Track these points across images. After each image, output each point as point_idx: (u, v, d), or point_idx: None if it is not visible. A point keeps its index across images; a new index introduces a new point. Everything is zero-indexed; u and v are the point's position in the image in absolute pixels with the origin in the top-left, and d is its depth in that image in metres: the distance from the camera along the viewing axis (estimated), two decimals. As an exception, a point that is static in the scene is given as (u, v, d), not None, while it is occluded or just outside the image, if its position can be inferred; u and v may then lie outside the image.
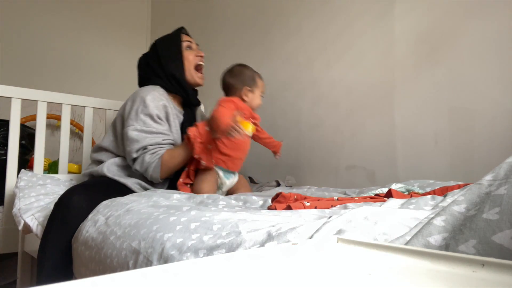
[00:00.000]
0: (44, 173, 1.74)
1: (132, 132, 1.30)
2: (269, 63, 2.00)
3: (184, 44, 1.48)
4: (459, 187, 0.96)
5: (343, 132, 1.65)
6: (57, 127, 2.52)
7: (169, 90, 1.44)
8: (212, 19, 2.43)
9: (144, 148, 1.29)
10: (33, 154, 1.77)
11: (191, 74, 1.47)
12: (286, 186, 1.66)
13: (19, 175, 1.50)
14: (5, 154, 1.63)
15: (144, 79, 1.49)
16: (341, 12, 1.68)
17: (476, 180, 0.43)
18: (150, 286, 0.27)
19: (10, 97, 1.62)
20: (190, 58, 1.47)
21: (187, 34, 1.54)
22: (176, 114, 1.44)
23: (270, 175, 1.88)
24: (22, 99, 1.64)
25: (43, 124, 1.71)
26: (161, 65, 1.44)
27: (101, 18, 2.82)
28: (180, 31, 1.52)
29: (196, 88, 1.56)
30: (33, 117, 1.99)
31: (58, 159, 1.82)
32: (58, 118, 2.29)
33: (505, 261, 0.28)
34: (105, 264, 0.80)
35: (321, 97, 1.74)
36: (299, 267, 0.33)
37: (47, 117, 1.83)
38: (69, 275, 1.03)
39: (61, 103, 1.78)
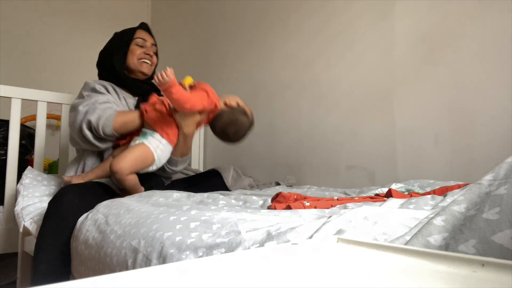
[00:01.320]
0: (44, 173, 1.74)
1: (76, 101, 1.33)
2: (269, 63, 2.00)
3: (136, 40, 1.48)
4: (459, 187, 0.96)
5: (343, 132, 1.65)
6: (57, 127, 2.52)
7: (113, 82, 1.46)
8: (212, 19, 2.43)
9: (93, 102, 1.29)
10: (33, 154, 1.77)
11: (134, 64, 1.47)
12: (286, 186, 1.66)
13: (25, 172, 1.50)
14: (5, 154, 1.63)
15: (99, 73, 1.54)
16: (341, 12, 1.68)
17: (476, 180, 0.43)
18: (150, 286, 0.27)
19: (10, 97, 1.62)
20: (136, 52, 1.47)
21: (148, 31, 1.53)
22: (123, 97, 1.45)
23: (270, 175, 1.88)
24: (22, 99, 1.64)
25: (43, 124, 1.71)
26: (107, 57, 1.47)
27: (101, 18, 2.82)
28: (137, 28, 1.52)
29: (145, 77, 1.53)
30: (33, 117, 1.99)
31: (58, 159, 1.82)
32: (58, 118, 2.29)
33: (505, 261, 0.28)
34: (104, 263, 0.80)
35: (321, 97, 1.74)
36: (298, 267, 0.33)
37: (47, 117, 1.83)
38: (64, 272, 1.03)
39: (61, 103, 1.78)
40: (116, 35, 1.52)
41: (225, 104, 1.34)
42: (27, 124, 2.21)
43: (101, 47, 1.55)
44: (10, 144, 1.59)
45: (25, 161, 1.95)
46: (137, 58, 1.47)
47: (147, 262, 0.67)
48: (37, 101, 1.70)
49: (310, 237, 0.54)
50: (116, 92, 1.45)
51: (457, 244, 0.36)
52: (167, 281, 0.28)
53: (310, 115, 1.79)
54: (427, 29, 1.40)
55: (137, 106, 1.45)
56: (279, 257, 0.36)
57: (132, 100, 1.48)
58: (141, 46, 1.48)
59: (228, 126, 1.30)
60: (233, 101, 1.36)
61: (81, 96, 1.37)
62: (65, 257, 1.03)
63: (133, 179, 1.22)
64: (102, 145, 1.31)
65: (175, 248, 0.64)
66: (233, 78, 2.23)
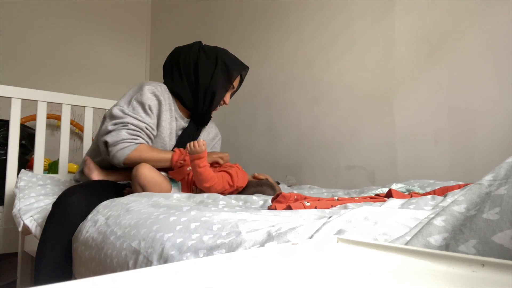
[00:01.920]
0: (44, 173, 1.74)
1: (116, 110, 1.23)
2: (269, 63, 2.00)
3: (231, 86, 1.41)
4: (459, 187, 0.96)
5: (343, 132, 1.65)
6: (57, 127, 2.52)
7: (180, 96, 1.37)
8: (212, 19, 2.43)
9: (125, 124, 1.21)
10: (33, 154, 1.77)
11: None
12: (287, 186, 1.66)
13: (19, 175, 1.50)
14: (5, 154, 1.64)
15: (169, 74, 1.41)
16: (341, 12, 1.68)
17: (476, 180, 0.43)
18: (150, 286, 0.27)
19: (10, 97, 1.62)
20: (222, 96, 1.40)
21: (242, 78, 1.46)
22: (175, 117, 1.37)
23: (270, 175, 1.88)
24: (22, 99, 1.64)
25: (43, 124, 1.71)
26: (202, 71, 1.35)
27: (101, 18, 2.82)
28: (240, 72, 1.42)
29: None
30: (33, 117, 1.99)
31: (58, 159, 1.82)
32: (58, 118, 2.29)
33: (505, 261, 0.28)
34: (105, 264, 0.80)
35: (321, 97, 1.74)
36: (299, 267, 0.33)
37: (47, 117, 1.83)
38: (67, 275, 1.03)
39: (61, 103, 1.78)
40: (225, 61, 1.37)
41: (254, 177, 1.36)
42: (27, 124, 2.21)
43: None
44: (10, 144, 1.59)
45: (25, 161, 1.95)
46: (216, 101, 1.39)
47: (147, 264, 0.67)
48: (37, 101, 1.70)
49: (311, 237, 0.54)
50: (171, 110, 1.35)
51: (457, 244, 0.36)
52: (167, 282, 0.28)
53: (310, 115, 1.79)
54: (427, 29, 1.40)
55: (185, 130, 1.40)
56: (279, 257, 0.36)
57: (183, 123, 1.40)
58: (228, 91, 1.41)
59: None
60: (262, 176, 1.37)
61: (128, 101, 1.27)
62: (68, 259, 1.03)
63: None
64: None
65: (176, 249, 0.64)
66: (233, 78, 2.23)
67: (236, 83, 1.43)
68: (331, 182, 1.67)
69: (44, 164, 1.84)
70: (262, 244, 0.56)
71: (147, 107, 1.25)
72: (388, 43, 1.51)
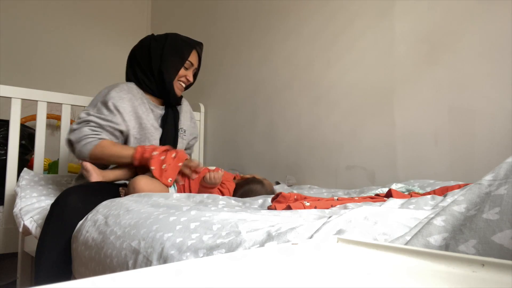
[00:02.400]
0: (44, 173, 1.74)
1: (82, 113, 1.32)
2: (269, 63, 2.00)
3: (187, 62, 1.47)
4: (459, 187, 0.96)
5: (343, 132, 1.65)
6: (57, 127, 2.52)
7: (150, 88, 1.45)
8: (212, 19, 2.43)
9: (87, 122, 1.29)
10: (33, 154, 1.77)
11: (176, 84, 1.48)
12: (287, 186, 1.66)
13: (21, 174, 1.50)
14: (5, 154, 1.63)
15: (129, 74, 1.51)
16: (341, 12, 1.68)
17: (476, 180, 0.43)
18: (150, 286, 0.27)
19: (10, 97, 1.62)
20: (181, 74, 1.47)
21: (199, 54, 1.52)
22: (151, 108, 1.44)
23: (270, 175, 1.88)
24: (22, 99, 1.64)
25: (43, 124, 1.71)
26: (157, 60, 1.44)
27: (101, 18, 2.82)
28: (193, 48, 1.49)
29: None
30: (33, 117, 1.99)
31: (58, 159, 1.82)
32: (58, 118, 2.29)
33: (505, 261, 0.28)
34: (104, 264, 0.80)
35: (321, 97, 1.74)
36: (299, 267, 0.33)
37: (47, 117, 1.83)
38: (66, 274, 1.03)
39: (61, 103, 1.78)
40: (174, 41, 1.47)
41: (241, 177, 1.40)
42: (27, 124, 2.21)
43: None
44: (10, 144, 1.59)
45: (25, 161, 1.95)
46: (177, 80, 1.47)
47: (147, 263, 0.67)
48: (37, 101, 1.70)
49: (310, 237, 0.54)
50: (144, 103, 1.43)
51: (457, 244, 0.36)
52: (167, 281, 0.28)
53: (310, 115, 1.79)
54: (427, 29, 1.40)
55: (164, 117, 1.47)
56: (279, 257, 0.36)
57: (159, 111, 1.48)
58: (187, 68, 1.48)
59: (246, 195, 1.29)
60: (248, 175, 1.43)
61: (94, 105, 1.35)
62: (67, 258, 1.03)
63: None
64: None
65: (176, 249, 0.64)
66: (233, 78, 2.23)
67: (193, 59, 1.49)
68: (331, 182, 1.67)
69: (44, 164, 1.84)
70: (262, 244, 0.56)
71: (111, 106, 1.32)
72: (388, 43, 1.51)
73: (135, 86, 1.45)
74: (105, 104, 1.33)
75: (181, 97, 1.57)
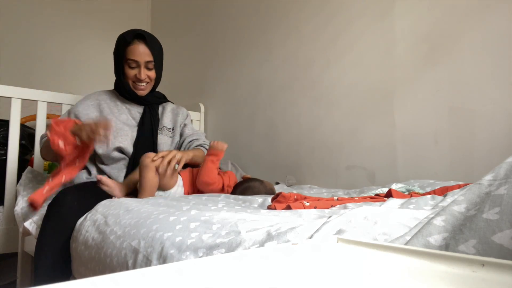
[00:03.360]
0: (44, 173, 1.74)
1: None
2: (269, 63, 2.00)
3: (128, 62, 1.38)
4: (459, 187, 0.96)
5: (343, 132, 1.65)
6: (57, 127, 2.52)
7: (120, 90, 1.48)
8: (211, 19, 2.43)
9: (48, 125, 1.39)
10: (33, 154, 1.77)
11: (129, 84, 1.43)
12: (287, 186, 1.66)
13: (25, 172, 1.51)
14: (5, 154, 1.63)
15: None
16: (341, 12, 1.68)
17: (476, 180, 0.43)
18: (150, 286, 0.27)
19: (10, 97, 1.62)
20: (129, 74, 1.41)
21: (148, 46, 1.38)
22: (127, 108, 1.47)
23: (270, 175, 1.88)
24: (22, 99, 1.64)
25: (43, 124, 1.71)
26: (114, 62, 1.46)
27: (101, 18, 2.82)
28: (129, 44, 1.37)
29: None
30: (33, 117, 1.98)
31: (58, 159, 1.81)
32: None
33: (505, 261, 0.28)
34: (104, 264, 0.80)
35: (321, 97, 1.74)
36: (298, 267, 0.33)
37: (47, 117, 1.83)
38: (65, 274, 1.03)
39: (61, 103, 1.78)
40: (117, 41, 1.44)
41: (242, 177, 1.39)
42: (27, 124, 2.21)
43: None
44: (10, 144, 1.59)
45: (25, 161, 1.95)
46: (131, 80, 1.42)
47: (147, 263, 0.67)
48: (37, 101, 1.70)
49: (310, 237, 0.54)
50: (117, 105, 1.46)
51: (457, 244, 0.36)
52: (167, 281, 0.28)
53: (310, 115, 1.79)
54: (427, 29, 1.40)
55: (143, 117, 1.47)
56: (279, 257, 0.36)
57: (137, 110, 1.48)
58: (133, 68, 1.39)
59: (245, 192, 1.29)
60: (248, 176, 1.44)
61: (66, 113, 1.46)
62: (65, 258, 1.03)
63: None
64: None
65: (175, 248, 0.64)
66: (233, 78, 2.23)
67: (136, 55, 1.37)
68: (331, 182, 1.67)
69: (44, 164, 1.84)
70: (261, 244, 0.56)
71: (71, 115, 1.40)
72: (388, 43, 1.51)
73: (111, 91, 1.51)
74: (68, 113, 1.43)
75: (160, 98, 1.55)
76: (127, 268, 0.72)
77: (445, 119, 1.34)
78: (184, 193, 1.29)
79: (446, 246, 0.37)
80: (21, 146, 1.73)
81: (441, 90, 1.35)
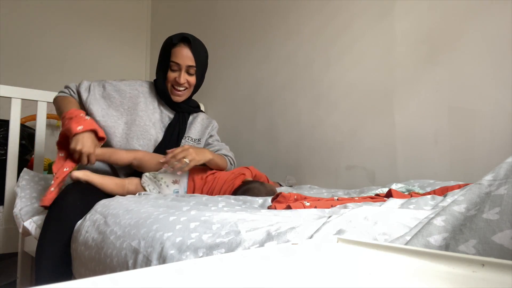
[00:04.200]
0: (44, 173, 1.74)
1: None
2: (269, 63, 2.00)
3: (170, 64, 1.37)
4: (459, 187, 0.96)
5: (343, 132, 1.65)
6: (57, 127, 2.52)
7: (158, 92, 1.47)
8: (212, 19, 2.43)
9: (79, 84, 1.44)
10: (33, 154, 1.77)
11: (170, 90, 1.42)
12: (287, 186, 1.66)
13: (21, 174, 1.50)
14: (5, 154, 1.63)
15: None
16: (341, 12, 1.68)
17: (476, 180, 0.43)
18: (150, 286, 0.27)
19: (10, 97, 1.62)
20: (169, 78, 1.39)
21: (192, 51, 1.36)
22: (160, 109, 1.46)
23: (270, 175, 1.88)
24: (22, 99, 1.64)
25: (43, 124, 1.71)
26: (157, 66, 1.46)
27: (101, 18, 2.82)
28: (173, 46, 1.37)
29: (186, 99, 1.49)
30: (33, 117, 1.99)
31: (58, 159, 1.81)
32: (58, 118, 2.28)
33: (505, 261, 0.28)
34: (105, 264, 0.80)
35: (321, 97, 1.74)
36: (298, 267, 0.33)
37: (47, 117, 1.83)
38: (66, 274, 1.03)
39: (61, 103, 1.78)
40: (164, 42, 1.43)
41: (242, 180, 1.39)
42: (27, 124, 2.21)
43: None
44: (10, 144, 1.59)
45: (25, 161, 1.95)
46: (171, 84, 1.40)
47: (147, 263, 0.67)
48: (37, 101, 1.70)
49: (310, 237, 0.54)
50: (154, 102, 1.45)
51: (457, 244, 0.36)
52: (167, 281, 0.28)
53: (310, 115, 1.79)
54: (427, 29, 1.40)
55: (171, 123, 1.45)
56: (279, 257, 0.36)
57: (169, 114, 1.47)
58: (175, 71, 1.38)
59: (246, 193, 1.29)
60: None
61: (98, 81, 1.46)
62: (67, 259, 1.03)
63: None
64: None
65: (175, 248, 0.64)
66: (233, 78, 2.23)
67: (178, 59, 1.36)
68: (331, 182, 1.67)
69: (44, 164, 1.84)
70: (261, 244, 0.56)
71: (100, 83, 1.43)
72: (388, 43, 1.51)
73: (151, 85, 1.49)
74: (99, 83, 1.43)
75: (194, 107, 1.54)
76: (127, 268, 0.72)
77: (445, 119, 1.34)
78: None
79: (446, 246, 0.37)
80: (21, 146, 1.73)
81: (441, 90, 1.35)
